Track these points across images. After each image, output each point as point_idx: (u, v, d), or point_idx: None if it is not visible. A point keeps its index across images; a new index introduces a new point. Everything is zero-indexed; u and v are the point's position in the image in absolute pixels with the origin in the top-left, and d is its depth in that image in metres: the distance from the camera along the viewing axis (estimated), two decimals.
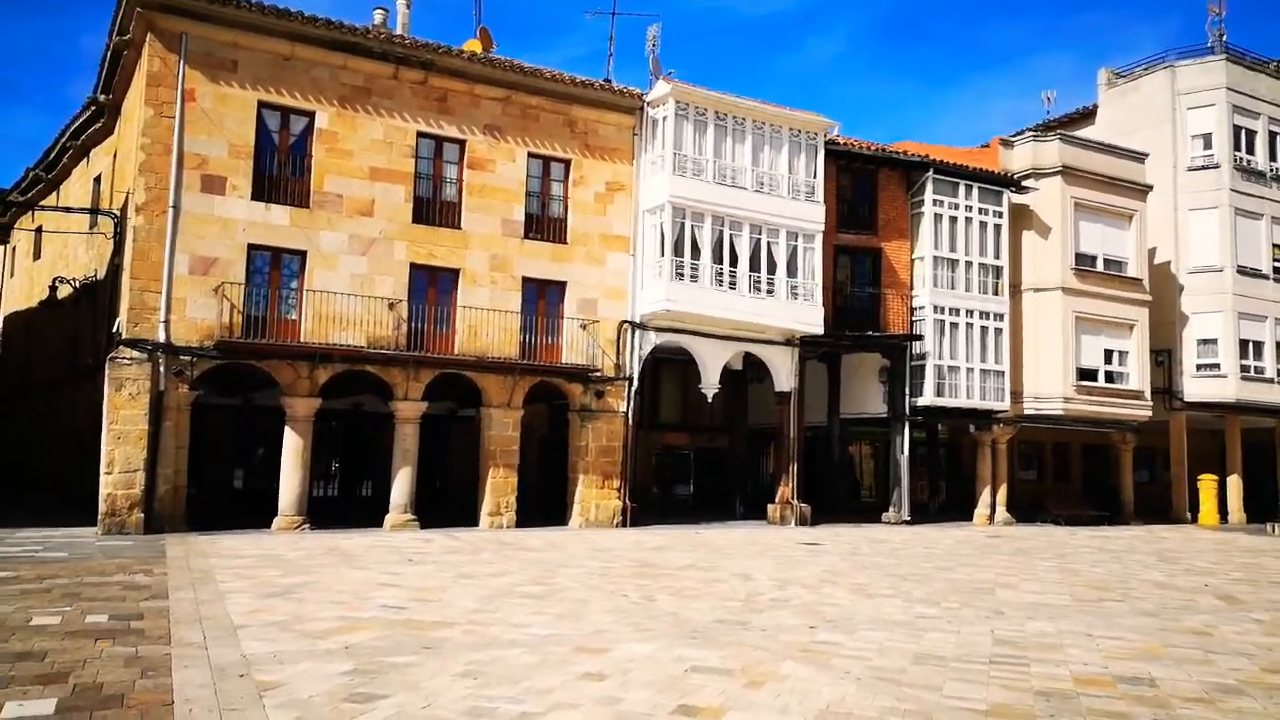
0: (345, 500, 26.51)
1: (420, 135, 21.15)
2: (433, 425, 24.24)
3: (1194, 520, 30.69)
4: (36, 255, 31.13)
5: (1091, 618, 11.48)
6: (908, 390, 26.37)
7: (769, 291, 23.74)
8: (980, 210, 27.50)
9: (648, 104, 23.47)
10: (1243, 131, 32.23)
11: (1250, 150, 32.29)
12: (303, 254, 19.71)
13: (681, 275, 22.68)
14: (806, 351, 25.48)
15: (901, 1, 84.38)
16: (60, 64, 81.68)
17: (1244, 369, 30.95)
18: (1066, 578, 15.58)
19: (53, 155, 27.86)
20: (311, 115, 20.06)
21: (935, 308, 26.51)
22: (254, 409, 24.04)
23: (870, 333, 25.91)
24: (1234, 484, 31.91)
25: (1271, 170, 32.56)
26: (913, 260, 27.05)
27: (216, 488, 24.44)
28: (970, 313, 26.99)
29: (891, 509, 26.54)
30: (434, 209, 21.30)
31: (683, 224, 22.80)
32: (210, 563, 13.93)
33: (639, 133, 23.60)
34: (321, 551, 15.91)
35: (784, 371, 25.05)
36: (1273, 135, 32.79)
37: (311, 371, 19.40)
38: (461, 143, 21.64)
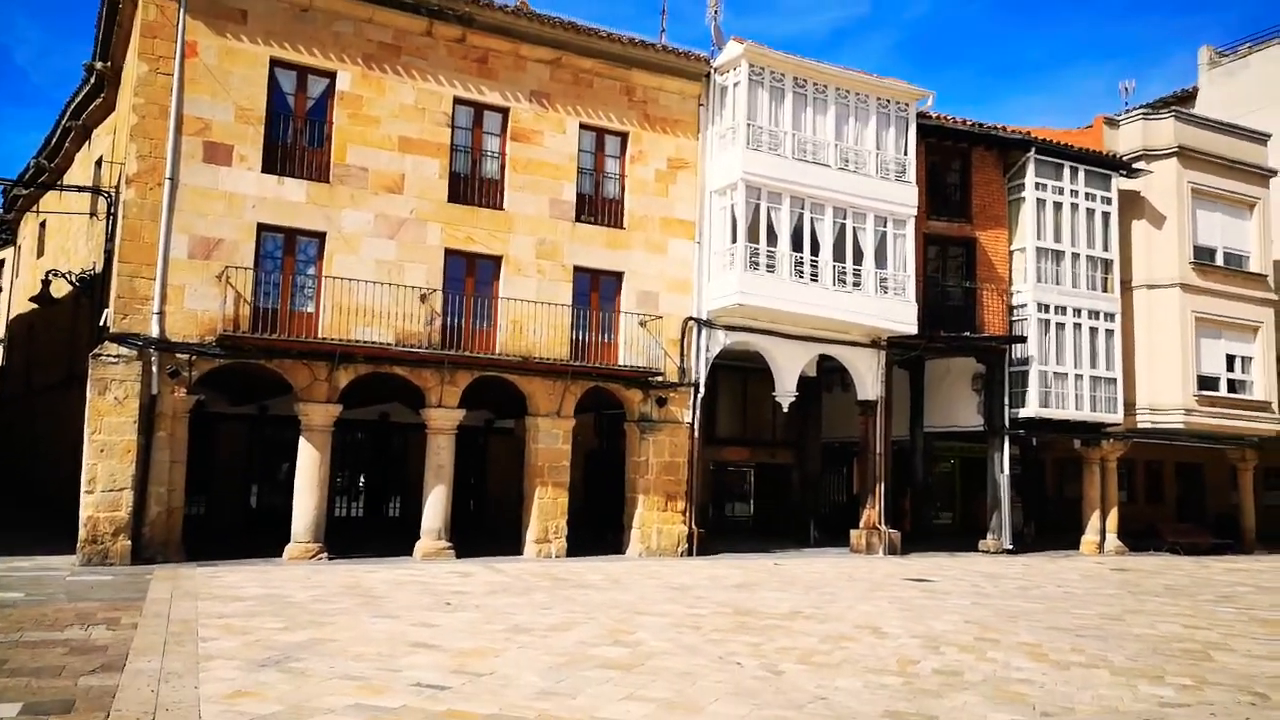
0: (370, 520, 23.60)
1: (457, 101, 18.26)
2: (468, 437, 21.29)
3: None
4: (40, 252, 28.62)
5: None
6: (1007, 400, 23.07)
7: (855, 284, 20.58)
8: (1086, 196, 24.18)
9: (715, 70, 20.46)
10: None
11: None
12: (321, 236, 16.85)
13: (756, 265, 19.58)
14: (894, 354, 22.28)
15: (929, 19, 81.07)
16: None
17: None
18: (1271, 630, 12.31)
19: (54, 140, 25.31)
20: (332, 76, 17.24)
21: (1039, 305, 23.17)
22: (271, 419, 21.24)
23: (968, 334, 22.62)
24: None
25: None
26: (1011, 252, 23.75)
27: (229, 509, 21.59)
28: (1078, 312, 23.62)
29: (990, 536, 23.19)
30: (473, 186, 18.37)
31: (757, 206, 19.73)
32: (198, 608, 11.01)
33: (705, 103, 20.59)
34: (339, 590, 12.96)
35: (869, 377, 21.84)
36: None
37: (330, 373, 16.51)
38: (504, 111, 18.75)
